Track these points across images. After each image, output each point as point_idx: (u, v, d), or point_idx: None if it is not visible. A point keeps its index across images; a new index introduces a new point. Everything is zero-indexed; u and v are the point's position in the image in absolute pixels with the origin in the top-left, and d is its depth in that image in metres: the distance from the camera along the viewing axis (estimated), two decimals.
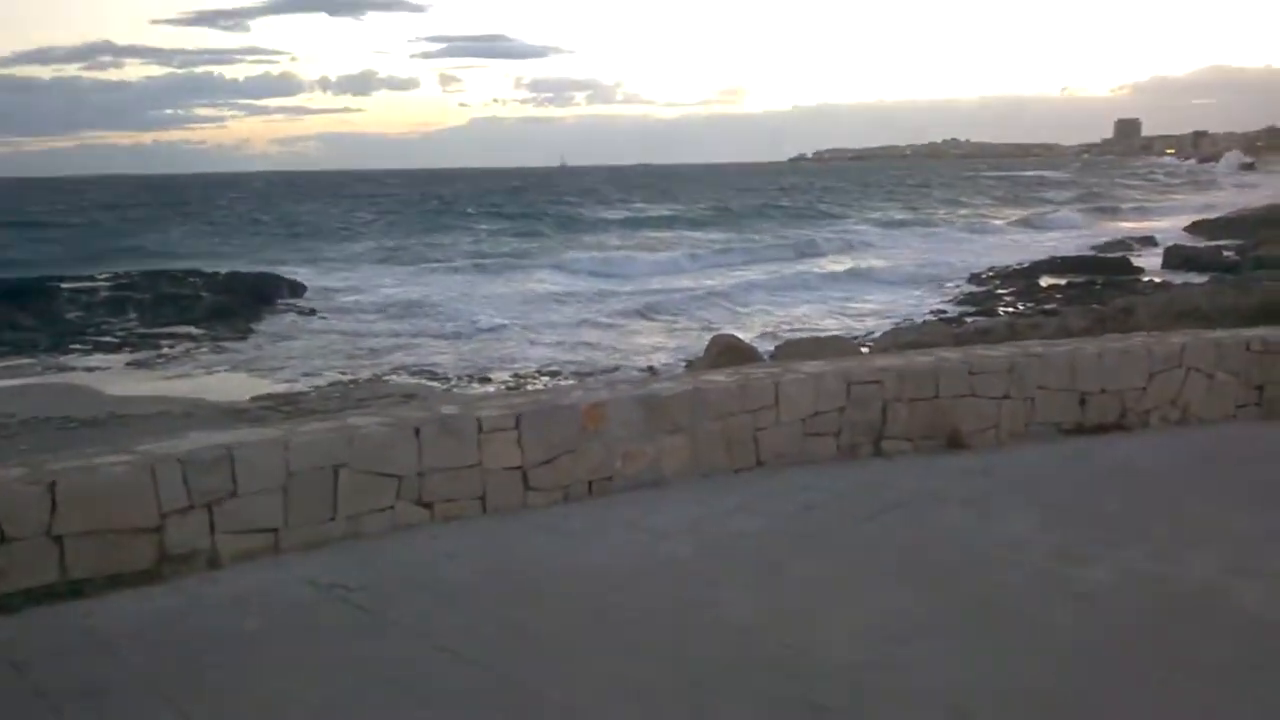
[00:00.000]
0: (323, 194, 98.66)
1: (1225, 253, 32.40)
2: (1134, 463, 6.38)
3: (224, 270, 31.51)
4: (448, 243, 46.72)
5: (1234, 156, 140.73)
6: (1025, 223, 55.07)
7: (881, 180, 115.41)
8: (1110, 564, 4.75)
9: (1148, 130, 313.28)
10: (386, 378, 17.21)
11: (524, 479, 5.55)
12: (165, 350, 20.38)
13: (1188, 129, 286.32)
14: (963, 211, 67.07)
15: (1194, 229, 43.24)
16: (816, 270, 35.27)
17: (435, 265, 37.24)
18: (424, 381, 16.75)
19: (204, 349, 20.62)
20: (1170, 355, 7.11)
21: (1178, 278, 27.08)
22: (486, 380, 16.94)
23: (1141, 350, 7.06)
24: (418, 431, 5.24)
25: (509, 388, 15.98)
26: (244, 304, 25.49)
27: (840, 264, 36.10)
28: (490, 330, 22.50)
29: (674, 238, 48.54)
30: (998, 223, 57.07)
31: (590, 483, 5.75)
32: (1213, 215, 48.23)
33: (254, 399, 15.34)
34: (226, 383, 17.35)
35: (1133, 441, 6.81)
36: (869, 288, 30.25)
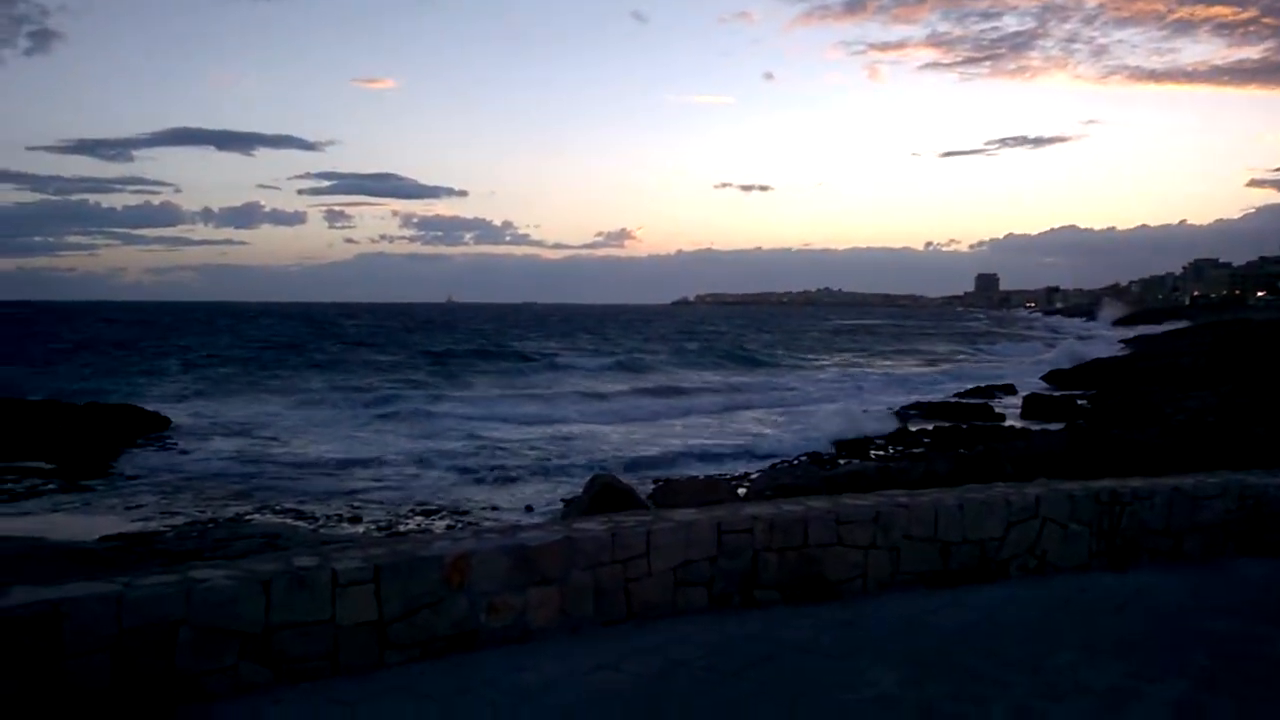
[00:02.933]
0: (200, 324, 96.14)
1: (1079, 401, 34.21)
2: (995, 614, 6.48)
3: (82, 402, 30.03)
4: (328, 377, 45.73)
5: (1109, 311, 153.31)
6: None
7: (801, 326, 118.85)
8: None
9: (1005, 285, 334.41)
10: (250, 517, 16.44)
11: (381, 635, 5.29)
12: (9, 485, 19.08)
13: (1041, 284, 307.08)
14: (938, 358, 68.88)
15: (1050, 378, 45.62)
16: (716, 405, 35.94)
17: (314, 399, 36.28)
18: (289, 521, 16.03)
19: (53, 485, 19.40)
20: (1027, 506, 7.35)
21: (1036, 425, 28.37)
22: (357, 520, 16.34)
23: (1000, 501, 7.27)
24: (267, 585, 4.96)
25: (380, 528, 15.47)
26: (103, 438, 24.24)
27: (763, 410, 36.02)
28: (370, 466, 21.84)
29: (585, 377, 48.52)
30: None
31: (452, 638, 5.51)
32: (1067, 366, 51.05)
33: (102, 539, 14.39)
34: (75, 521, 16.27)
35: (993, 591, 6.94)
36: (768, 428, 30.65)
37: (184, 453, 23.83)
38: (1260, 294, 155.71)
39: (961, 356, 71.72)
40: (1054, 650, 5.77)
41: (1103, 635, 6.07)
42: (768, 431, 29.01)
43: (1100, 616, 6.49)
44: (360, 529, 15.56)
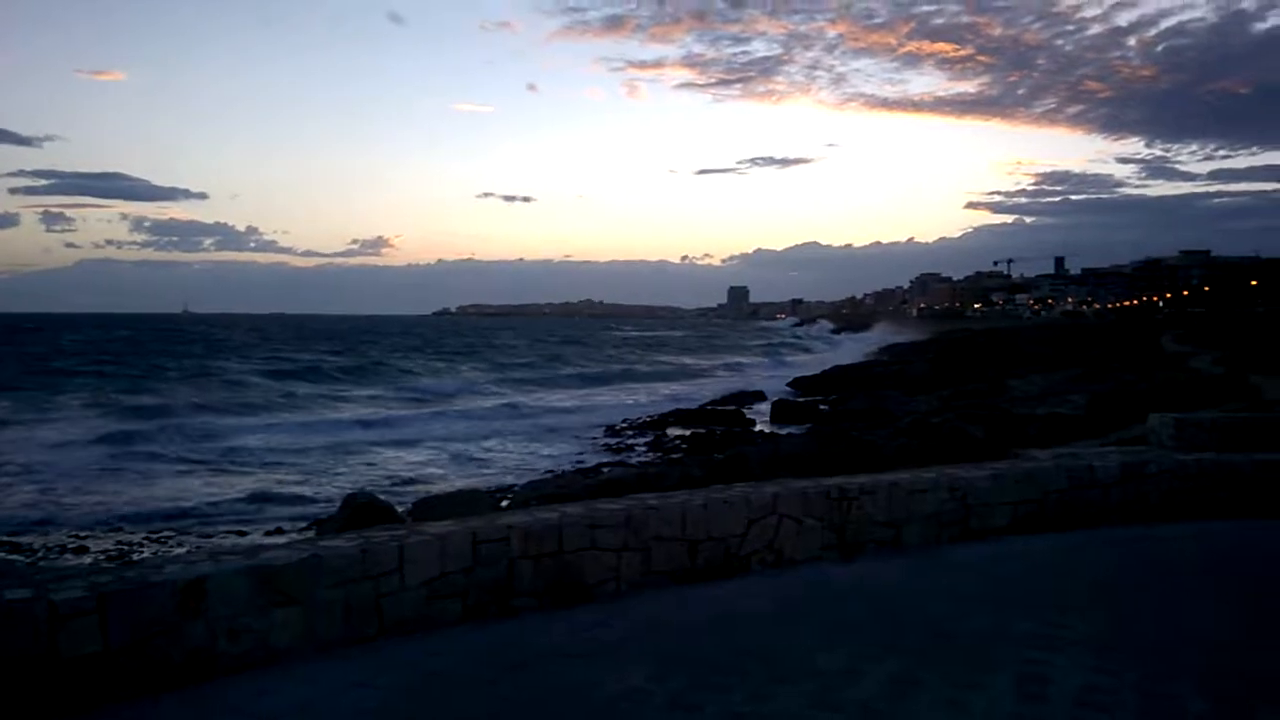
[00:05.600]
0: None
1: (821, 406, 36.56)
2: (736, 607, 6.85)
3: None
4: (47, 398, 41.57)
5: (826, 324, 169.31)
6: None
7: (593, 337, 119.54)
8: (715, 707, 5.03)
9: (754, 297, 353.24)
10: None
11: (109, 667, 4.94)
12: None
13: (787, 296, 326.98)
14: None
15: (796, 384, 48.45)
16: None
17: (27, 421, 32.95)
18: (3, 555, 14.57)
19: None
20: (765, 504, 7.82)
21: (783, 429, 30.10)
22: (83, 551, 15.06)
23: (740, 500, 7.71)
24: None
25: (110, 558, 14.33)
26: None
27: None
28: (98, 494, 20.12)
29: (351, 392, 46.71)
30: None
31: (189, 666, 5.23)
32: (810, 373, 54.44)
33: None
34: None
35: (736, 586, 7.34)
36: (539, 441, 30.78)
37: None
38: (977, 305, 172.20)
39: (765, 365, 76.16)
40: (789, 638, 6.18)
41: (832, 622, 6.57)
42: (553, 449, 29.27)
43: (830, 604, 7.01)
44: (87, 559, 14.36)
